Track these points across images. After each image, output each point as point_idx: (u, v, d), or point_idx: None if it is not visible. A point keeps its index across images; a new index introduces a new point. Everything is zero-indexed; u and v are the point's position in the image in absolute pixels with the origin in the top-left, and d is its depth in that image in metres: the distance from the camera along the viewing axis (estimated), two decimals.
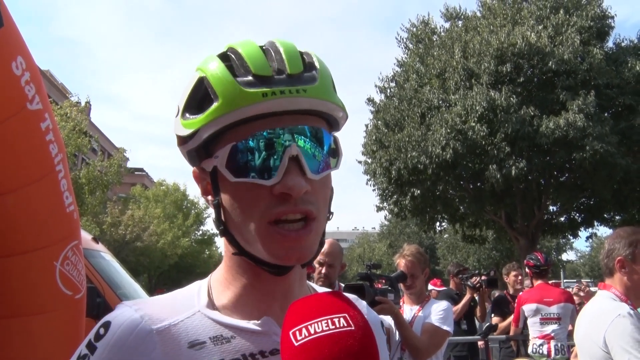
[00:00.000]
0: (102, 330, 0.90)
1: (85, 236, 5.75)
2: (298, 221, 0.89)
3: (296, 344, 0.73)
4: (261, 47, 0.96)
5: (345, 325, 0.74)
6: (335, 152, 0.98)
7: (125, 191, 40.69)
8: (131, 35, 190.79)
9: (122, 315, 0.91)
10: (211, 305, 0.96)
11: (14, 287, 2.46)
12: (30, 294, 2.53)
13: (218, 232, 0.97)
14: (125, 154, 28.40)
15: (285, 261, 0.90)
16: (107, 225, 29.27)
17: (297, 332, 0.74)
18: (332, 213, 0.99)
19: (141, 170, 55.43)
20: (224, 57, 0.94)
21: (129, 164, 36.78)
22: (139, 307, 0.93)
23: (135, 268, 29.69)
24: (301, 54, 0.96)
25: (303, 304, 0.80)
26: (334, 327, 0.74)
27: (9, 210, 2.32)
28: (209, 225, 46.46)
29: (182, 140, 0.96)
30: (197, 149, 0.96)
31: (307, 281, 1.12)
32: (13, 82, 2.11)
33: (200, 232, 45.99)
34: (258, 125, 0.89)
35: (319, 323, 0.74)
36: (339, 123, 1.01)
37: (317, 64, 0.96)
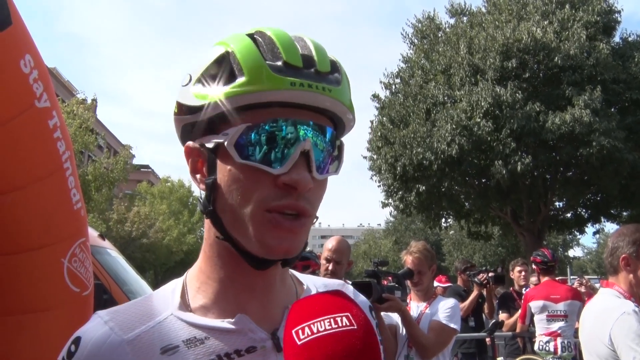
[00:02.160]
0: (72, 347, 0.89)
1: (92, 233, 5.76)
2: (292, 215, 0.89)
3: (299, 343, 0.73)
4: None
5: (348, 324, 0.74)
6: (337, 157, 0.97)
7: (131, 188, 40.81)
8: (135, 32, 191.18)
9: (92, 329, 0.90)
10: (184, 306, 0.94)
11: (22, 284, 2.47)
12: (38, 291, 2.54)
13: (204, 213, 0.94)
14: (130, 150, 28.50)
15: (273, 252, 0.89)
16: (113, 222, 29.43)
17: (300, 331, 0.74)
18: (317, 217, 0.97)
19: (147, 167, 55.51)
20: (251, 38, 0.92)
21: (135, 161, 36.85)
22: (111, 317, 0.92)
23: (141, 265, 29.82)
24: None
25: (305, 303, 0.80)
26: (336, 326, 0.74)
27: (17, 207, 2.33)
28: None
29: (188, 110, 0.93)
30: (198, 123, 0.93)
31: (292, 270, 1.09)
32: (21, 79, 2.12)
33: None
34: (271, 111, 0.88)
35: (322, 322, 0.74)
36: (345, 126, 1.00)
37: (340, 69, 0.95)
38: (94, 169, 24.66)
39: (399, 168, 19.75)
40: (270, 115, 0.88)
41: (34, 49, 2.25)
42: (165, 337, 0.89)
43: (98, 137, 26.28)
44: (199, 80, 0.92)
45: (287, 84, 0.86)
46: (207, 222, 0.97)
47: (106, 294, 5.67)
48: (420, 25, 23.05)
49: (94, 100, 28.68)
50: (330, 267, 3.67)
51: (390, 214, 48.40)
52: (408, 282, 3.87)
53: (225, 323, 0.91)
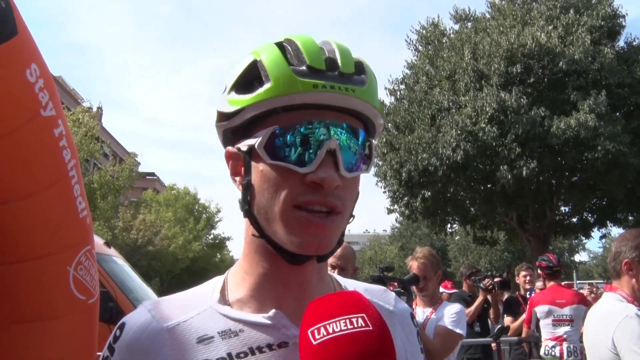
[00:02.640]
0: (118, 332, 0.96)
1: (98, 241, 5.79)
2: (323, 212, 0.91)
3: (314, 343, 0.75)
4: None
5: (364, 325, 0.75)
6: (368, 157, 1.00)
7: (136, 196, 40.90)
8: (140, 40, 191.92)
9: (135, 316, 0.97)
10: (222, 300, 0.98)
11: (28, 292, 2.48)
12: (44, 299, 2.54)
13: (242, 212, 1.00)
14: (136, 158, 28.56)
15: (304, 249, 0.91)
16: (119, 229, 29.44)
17: (316, 331, 0.76)
18: (353, 216, 1.00)
19: (152, 174, 55.60)
20: (280, 46, 0.96)
21: (140, 169, 36.94)
22: (154, 307, 0.98)
23: (147, 272, 29.84)
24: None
25: (322, 303, 0.81)
26: (352, 326, 0.75)
27: (22, 216, 2.34)
28: (220, 229, 46.36)
29: (225, 117, 0.99)
30: (235, 129, 0.99)
31: (330, 273, 1.12)
32: (27, 89, 2.13)
33: (212, 236, 46.13)
34: (302, 114, 0.92)
35: (337, 322, 0.76)
36: (376, 130, 1.03)
37: (367, 70, 0.98)
38: (100, 177, 24.72)
39: (404, 174, 19.75)
40: (296, 117, 0.92)
41: (39, 58, 2.27)
42: (202, 328, 0.94)
43: (103, 145, 26.38)
44: (232, 88, 0.98)
45: (310, 86, 0.90)
46: (245, 222, 1.02)
47: (112, 302, 5.70)
48: (424, 31, 23.08)
49: (100, 109, 28.81)
50: (335, 274, 3.66)
51: (396, 219, 48.17)
52: (414, 288, 3.87)
53: (260, 317, 0.94)
